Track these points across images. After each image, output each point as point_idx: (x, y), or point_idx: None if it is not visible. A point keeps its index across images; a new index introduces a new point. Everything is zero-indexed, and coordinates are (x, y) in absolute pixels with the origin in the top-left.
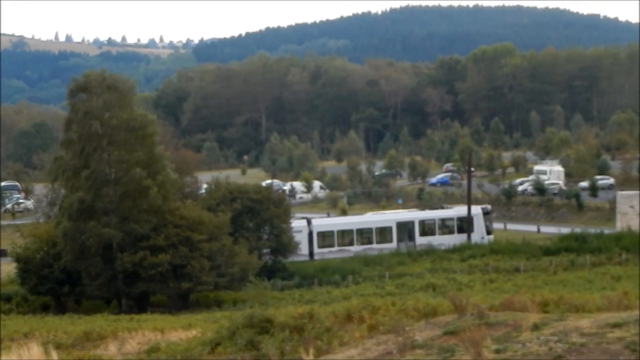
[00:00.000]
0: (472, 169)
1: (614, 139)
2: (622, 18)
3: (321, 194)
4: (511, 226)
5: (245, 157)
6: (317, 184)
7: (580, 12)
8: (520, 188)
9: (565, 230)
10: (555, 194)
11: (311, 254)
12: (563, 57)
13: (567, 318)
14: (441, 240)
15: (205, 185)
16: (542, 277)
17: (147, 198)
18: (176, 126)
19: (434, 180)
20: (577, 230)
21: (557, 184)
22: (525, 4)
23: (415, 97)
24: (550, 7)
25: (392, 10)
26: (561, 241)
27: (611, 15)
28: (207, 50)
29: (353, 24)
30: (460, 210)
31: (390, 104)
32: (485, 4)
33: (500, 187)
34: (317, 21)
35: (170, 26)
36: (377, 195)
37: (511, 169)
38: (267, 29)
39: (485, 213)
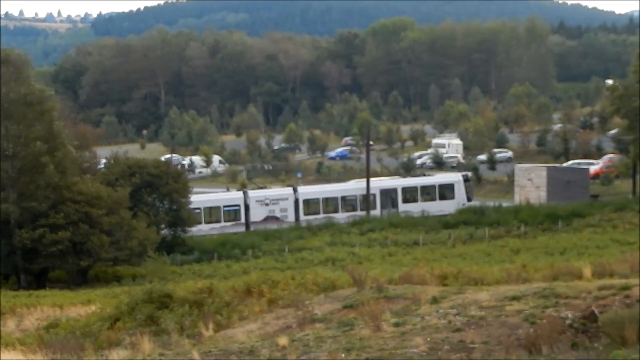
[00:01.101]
0: (371, 142)
1: (512, 112)
2: None
3: (220, 168)
4: None
5: (145, 132)
6: (216, 158)
7: None
8: (419, 161)
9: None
10: (453, 167)
11: (297, 220)
12: (461, 31)
13: (465, 291)
14: (423, 207)
15: (104, 160)
16: (441, 250)
17: (44, 174)
18: (75, 101)
19: (333, 154)
20: (476, 203)
21: (456, 157)
22: None
23: (315, 71)
24: None
25: None
26: (460, 214)
27: None
28: (106, 24)
29: None
30: (441, 178)
31: (290, 78)
32: None
33: (399, 161)
34: None
35: (68, 0)
36: (276, 170)
37: (410, 143)
38: (166, 3)
39: (466, 180)
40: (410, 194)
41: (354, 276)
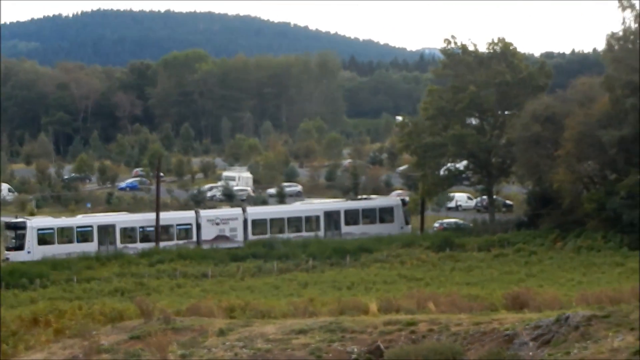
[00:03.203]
0: (162, 174)
1: (302, 146)
2: (312, 27)
3: (10, 196)
4: None
5: None
6: (5, 186)
7: (271, 20)
8: (209, 194)
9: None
10: (243, 200)
11: (246, 239)
12: (253, 64)
13: (252, 324)
14: (364, 230)
15: None
16: (230, 282)
17: None
18: None
19: (123, 184)
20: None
21: (246, 190)
22: (216, 10)
23: (106, 101)
24: (241, 14)
25: (84, 14)
26: (249, 247)
27: (301, 24)
28: None
29: (44, 26)
30: (382, 201)
31: (81, 107)
32: (177, 9)
33: (189, 193)
34: (8, 22)
35: None
36: (66, 199)
37: (200, 175)
38: None
39: (404, 204)
40: (352, 217)
41: (142, 307)
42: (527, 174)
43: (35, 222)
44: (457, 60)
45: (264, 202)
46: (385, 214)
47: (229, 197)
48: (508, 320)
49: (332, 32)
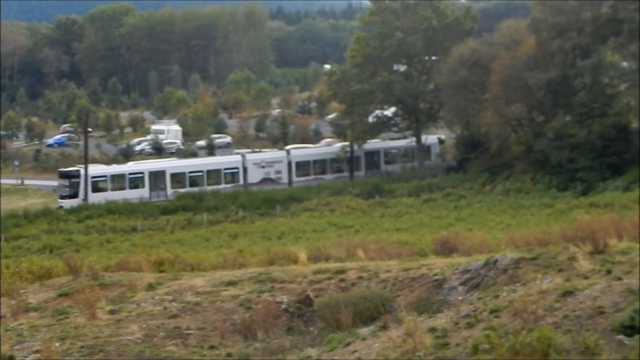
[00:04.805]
0: (90, 129)
1: (231, 97)
2: None
3: None
4: None
5: None
6: None
7: None
8: (138, 147)
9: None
10: (173, 153)
11: (290, 182)
12: (180, 16)
13: (182, 277)
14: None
15: None
16: (160, 236)
17: None
18: None
19: (51, 141)
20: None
21: (175, 143)
22: None
23: (32, 58)
24: None
25: None
26: (178, 200)
27: None
28: None
29: None
30: (424, 139)
31: (7, 64)
32: None
33: (118, 147)
34: None
35: None
36: None
37: (129, 129)
38: None
39: (441, 142)
40: (391, 156)
41: (69, 264)
42: (455, 119)
43: (90, 170)
44: (384, 7)
45: (193, 155)
46: (423, 152)
47: (158, 151)
48: (437, 266)
49: None
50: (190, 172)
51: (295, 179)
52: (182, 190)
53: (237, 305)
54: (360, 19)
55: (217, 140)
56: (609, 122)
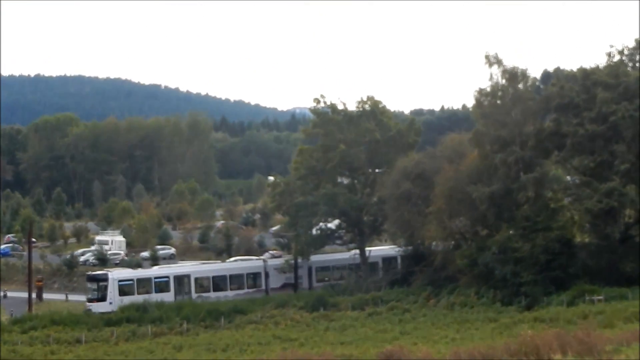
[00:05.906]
0: (34, 239)
1: (175, 208)
2: (183, 88)
3: None
4: (73, 297)
5: None
6: None
7: (141, 82)
8: (82, 258)
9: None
10: (117, 264)
11: (310, 287)
12: (124, 127)
13: None
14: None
15: None
16: (104, 348)
17: None
18: None
19: None
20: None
21: (119, 253)
22: (87, 73)
23: None
24: (112, 76)
25: None
26: (122, 311)
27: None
28: None
29: None
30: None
31: None
32: (47, 73)
33: (62, 258)
34: None
35: None
36: None
37: (73, 240)
38: None
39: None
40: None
41: None
42: (398, 232)
43: (116, 274)
44: (327, 119)
45: (137, 265)
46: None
47: (103, 262)
48: None
49: (203, 93)
50: (214, 277)
51: (315, 284)
52: (204, 294)
53: None
54: (303, 131)
55: (162, 252)
56: (552, 236)
